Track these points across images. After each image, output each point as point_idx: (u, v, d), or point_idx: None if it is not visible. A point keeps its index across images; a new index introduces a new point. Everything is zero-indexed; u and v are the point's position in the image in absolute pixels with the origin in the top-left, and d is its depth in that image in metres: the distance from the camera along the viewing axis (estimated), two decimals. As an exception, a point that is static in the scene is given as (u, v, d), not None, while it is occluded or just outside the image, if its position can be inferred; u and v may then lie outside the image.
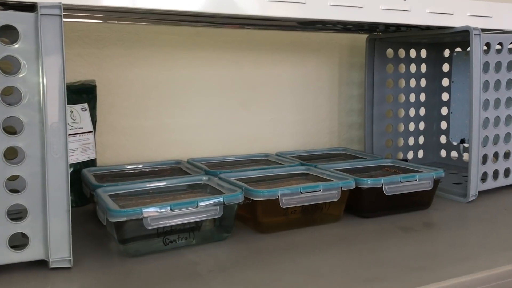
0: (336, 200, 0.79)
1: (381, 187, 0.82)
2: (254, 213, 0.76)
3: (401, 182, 0.84)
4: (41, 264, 0.63)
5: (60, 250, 0.63)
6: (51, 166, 0.61)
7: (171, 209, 0.67)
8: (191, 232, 0.71)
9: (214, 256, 0.67)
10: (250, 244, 0.72)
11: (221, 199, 0.70)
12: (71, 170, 0.92)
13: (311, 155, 1.11)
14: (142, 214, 0.65)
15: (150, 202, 0.75)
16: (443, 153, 1.28)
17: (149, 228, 0.66)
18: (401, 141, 1.24)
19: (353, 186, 0.80)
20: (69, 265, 0.63)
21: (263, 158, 1.06)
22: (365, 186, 0.81)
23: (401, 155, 1.23)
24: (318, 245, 0.72)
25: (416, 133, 1.25)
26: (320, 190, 0.77)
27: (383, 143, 1.19)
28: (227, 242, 0.73)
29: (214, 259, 0.66)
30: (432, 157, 1.29)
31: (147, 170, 0.95)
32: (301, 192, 0.76)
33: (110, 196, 0.75)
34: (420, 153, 1.27)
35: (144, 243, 0.68)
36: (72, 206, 0.96)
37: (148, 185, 0.80)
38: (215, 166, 0.98)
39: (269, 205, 0.74)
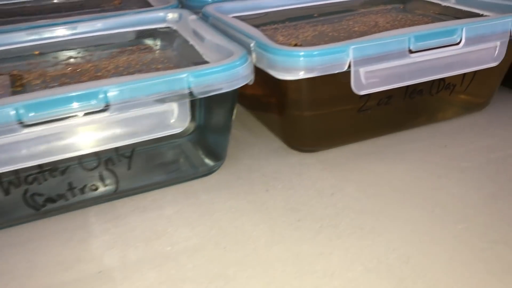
0: (494, 65, 0.31)
1: None
2: (283, 101, 0.30)
3: None
4: None
5: None
6: None
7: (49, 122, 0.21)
8: (115, 165, 0.26)
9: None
10: (268, 198, 0.28)
11: (184, 81, 0.24)
12: None
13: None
14: None
15: (14, 86, 0.30)
16: None
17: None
18: None
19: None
20: None
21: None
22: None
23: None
24: (465, 199, 0.27)
25: None
26: (459, 42, 0.29)
27: None
28: (208, 184, 0.28)
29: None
30: None
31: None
32: (410, 51, 0.28)
33: None
34: None
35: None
36: None
37: (33, 35, 0.34)
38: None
39: (324, 86, 0.27)
